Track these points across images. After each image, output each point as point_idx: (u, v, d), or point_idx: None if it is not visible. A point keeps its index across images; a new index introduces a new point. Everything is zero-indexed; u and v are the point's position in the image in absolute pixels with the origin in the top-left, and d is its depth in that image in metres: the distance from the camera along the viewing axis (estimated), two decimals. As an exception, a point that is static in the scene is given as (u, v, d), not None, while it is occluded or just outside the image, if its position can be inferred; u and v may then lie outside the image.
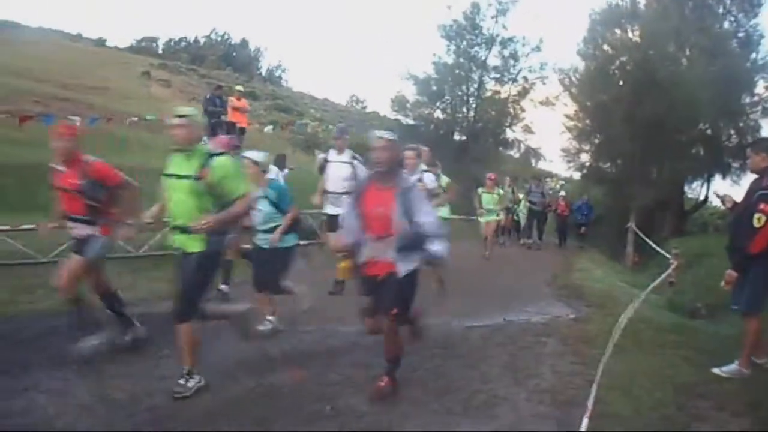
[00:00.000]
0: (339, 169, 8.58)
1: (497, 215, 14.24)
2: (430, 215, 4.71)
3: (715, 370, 5.66)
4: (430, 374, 5.30)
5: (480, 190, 14.19)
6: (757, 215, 5.40)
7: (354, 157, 8.52)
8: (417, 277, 4.78)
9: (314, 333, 6.57)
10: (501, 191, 14.23)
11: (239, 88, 17.84)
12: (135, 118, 17.52)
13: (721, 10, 22.85)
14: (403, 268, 4.63)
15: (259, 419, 4.25)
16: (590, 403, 3.94)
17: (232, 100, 15.92)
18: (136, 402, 4.49)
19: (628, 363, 5.66)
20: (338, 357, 5.72)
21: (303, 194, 14.14)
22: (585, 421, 3.69)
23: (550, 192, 23.23)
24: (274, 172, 11.82)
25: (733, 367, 5.65)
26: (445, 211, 9.40)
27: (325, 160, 8.88)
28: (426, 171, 8.23)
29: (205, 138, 11.12)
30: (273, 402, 4.58)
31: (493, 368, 5.52)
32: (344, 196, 7.93)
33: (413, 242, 4.60)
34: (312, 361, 5.58)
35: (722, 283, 5.86)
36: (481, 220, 13.92)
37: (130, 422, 4.17)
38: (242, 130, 16.79)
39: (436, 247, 4.58)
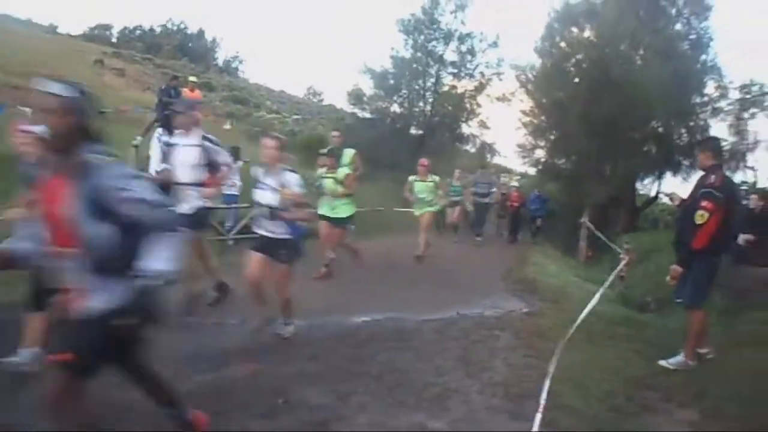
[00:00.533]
0: (185, 154, 6.98)
1: (433, 206, 12.37)
2: (146, 208, 2.99)
3: (662, 362, 5.83)
4: (384, 367, 5.28)
5: (411, 178, 12.30)
6: (699, 212, 5.58)
7: (206, 138, 7.06)
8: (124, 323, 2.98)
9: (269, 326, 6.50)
10: (437, 178, 12.44)
11: (192, 78, 17.58)
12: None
13: (673, 12, 23.20)
14: (98, 303, 2.95)
15: (213, 414, 4.19)
16: (543, 398, 3.97)
17: (185, 92, 15.69)
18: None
19: (579, 356, 5.75)
20: (293, 350, 5.68)
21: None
22: (538, 417, 3.71)
23: (503, 185, 23.27)
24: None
25: (679, 358, 5.83)
26: (348, 208, 9.42)
27: (167, 144, 7.43)
28: (290, 171, 6.23)
29: (159, 129, 11.03)
30: (228, 396, 4.52)
31: (447, 361, 5.54)
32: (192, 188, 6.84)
33: (114, 260, 2.96)
34: (267, 355, 5.53)
35: (668, 278, 6.03)
36: (416, 212, 12.36)
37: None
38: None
39: (156, 263, 2.95)
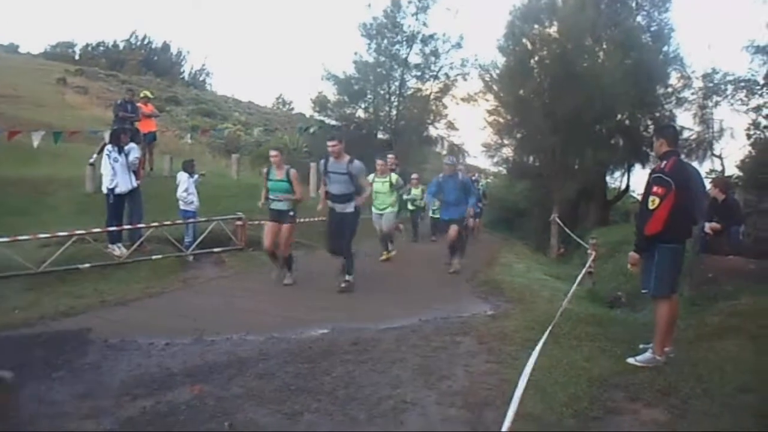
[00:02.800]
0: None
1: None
2: None
3: (630, 360, 5.69)
4: (338, 381, 5.04)
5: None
6: (651, 197, 5.55)
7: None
8: None
9: (221, 343, 6.25)
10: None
11: (146, 93, 17.20)
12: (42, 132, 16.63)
13: (633, 5, 23.33)
14: None
15: (150, 441, 3.97)
16: (512, 408, 3.75)
17: (140, 106, 15.37)
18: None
19: (543, 358, 5.54)
20: (244, 368, 5.42)
21: (215, 199, 13.93)
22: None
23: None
24: (184, 177, 11.51)
25: (647, 355, 5.70)
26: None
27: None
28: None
29: (108, 146, 10.77)
30: (169, 421, 4.26)
31: (405, 371, 5.31)
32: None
33: None
34: (216, 374, 5.28)
35: (628, 266, 6.02)
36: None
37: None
38: (152, 136, 16.27)
39: None
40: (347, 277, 9.05)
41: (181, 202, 11.62)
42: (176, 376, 5.25)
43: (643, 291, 6.04)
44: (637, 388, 4.95)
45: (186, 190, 11.55)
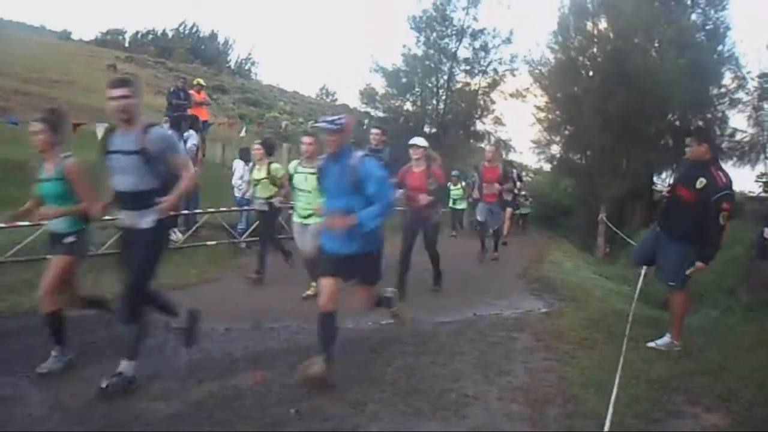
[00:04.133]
0: None
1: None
2: None
3: (650, 344, 6.01)
4: (400, 373, 5.12)
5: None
6: (723, 214, 5.64)
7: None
8: None
9: (279, 331, 6.39)
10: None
11: (199, 81, 17.40)
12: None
13: (689, 2, 22.91)
14: None
15: (220, 423, 4.07)
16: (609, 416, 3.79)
17: (192, 94, 15.57)
18: (91, 409, 4.25)
19: (601, 358, 5.57)
20: (305, 356, 5.49)
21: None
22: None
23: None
24: (240, 165, 11.66)
25: (666, 339, 6.03)
26: None
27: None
28: None
29: (169, 131, 10.93)
30: (235, 405, 4.39)
31: (464, 365, 5.36)
32: None
33: None
34: (278, 361, 5.39)
35: (688, 272, 5.92)
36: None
37: (86, 430, 3.95)
38: (205, 124, 16.46)
39: None
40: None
41: (235, 189, 11.79)
42: (239, 361, 5.38)
43: (671, 284, 6.10)
44: (697, 392, 4.93)
45: (241, 178, 11.70)
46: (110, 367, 4.90)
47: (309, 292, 7.91)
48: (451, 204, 17.28)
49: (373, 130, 9.43)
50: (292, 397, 4.53)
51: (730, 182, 5.74)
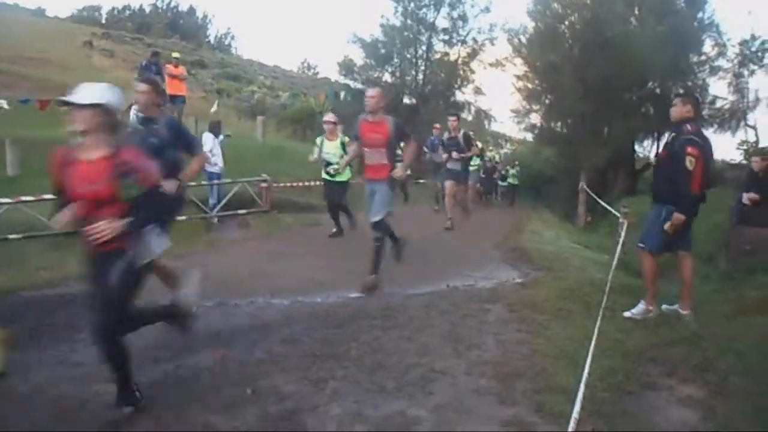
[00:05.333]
0: None
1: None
2: None
3: (626, 313, 5.95)
4: (365, 348, 4.91)
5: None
6: (688, 158, 5.63)
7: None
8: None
9: (245, 307, 6.18)
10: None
11: (175, 54, 17.04)
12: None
13: (669, -31, 22.72)
14: None
15: (174, 405, 3.87)
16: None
17: (169, 68, 15.24)
18: (38, 393, 4.06)
19: (575, 329, 5.41)
20: (268, 333, 5.32)
21: (240, 160, 13.81)
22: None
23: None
24: (209, 139, 11.39)
25: (640, 306, 5.99)
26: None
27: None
28: None
29: (135, 106, 10.66)
30: (192, 385, 4.19)
31: (433, 339, 5.16)
32: None
33: None
34: (239, 338, 5.20)
35: (666, 226, 5.86)
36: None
37: (29, 418, 3.74)
38: (182, 99, 16.12)
39: None
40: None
41: (205, 164, 11.50)
42: (199, 339, 5.15)
43: (639, 245, 6.15)
44: (673, 363, 4.77)
45: (210, 151, 11.42)
46: (65, 351, 4.73)
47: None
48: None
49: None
50: (251, 376, 4.33)
51: (701, 136, 5.82)
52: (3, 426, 3.57)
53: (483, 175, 20.23)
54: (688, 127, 5.81)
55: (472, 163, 13.92)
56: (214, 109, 19.66)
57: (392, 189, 7.10)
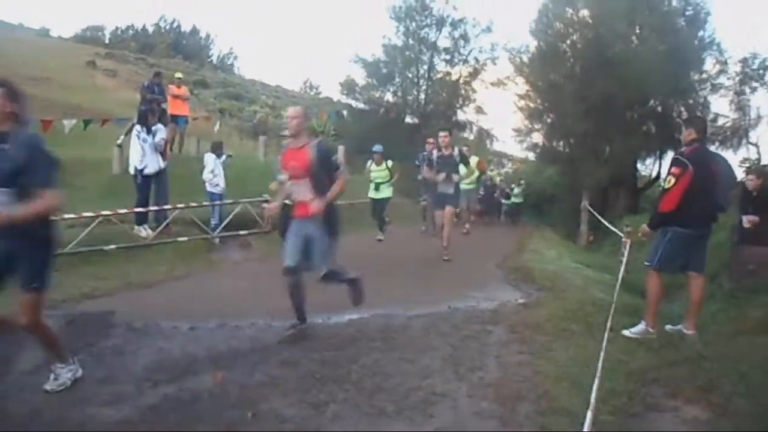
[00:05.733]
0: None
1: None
2: None
3: (625, 332, 5.96)
4: (366, 370, 4.88)
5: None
6: (668, 177, 5.90)
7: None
8: None
9: (245, 329, 6.15)
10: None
11: (178, 75, 17.14)
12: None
13: (669, -12, 22.80)
14: None
15: (175, 428, 3.83)
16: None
17: (172, 88, 15.31)
18: (36, 416, 4.02)
19: (577, 350, 5.37)
20: (268, 355, 5.29)
21: (242, 181, 13.81)
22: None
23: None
24: (211, 159, 11.41)
25: (640, 327, 6.02)
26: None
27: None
28: None
29: (137, 126, 10.71)
30: (191, 409, 4.16)
31: (434, 361, 5.12)
32: None
33: None
34: (240, 361, 5.16)
35: (639, 233, 6.44)
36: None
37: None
38: (185, 119, 16.18)
39: None
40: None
41: (207, 184, 11.52)
42: (200, 362, 5.15)
43: (646, 263, 6.19)
44: (677, 384, 4.73)
45: (212, 172, 11.44)
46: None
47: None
48: None
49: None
50: (251, 399, 4.30)
51: (693, 154, 5.87)
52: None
53: (482, 194, 20.43)
54: (685, 149, 5.99)
55: (466, 181, 13.75)
56: (216, 128, 19.71)
57: (331, 229, 5.86)
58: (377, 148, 13.17)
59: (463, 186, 12.28)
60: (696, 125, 6.22)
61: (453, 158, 10.48)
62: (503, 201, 25.01)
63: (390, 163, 13.10)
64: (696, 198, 5.71)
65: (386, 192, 13.12)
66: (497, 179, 26.66)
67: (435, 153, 10.68)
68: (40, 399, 4.26)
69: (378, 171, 13.05)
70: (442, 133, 10.87)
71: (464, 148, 12.02)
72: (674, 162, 5.86)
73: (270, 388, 4.52)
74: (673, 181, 5.75)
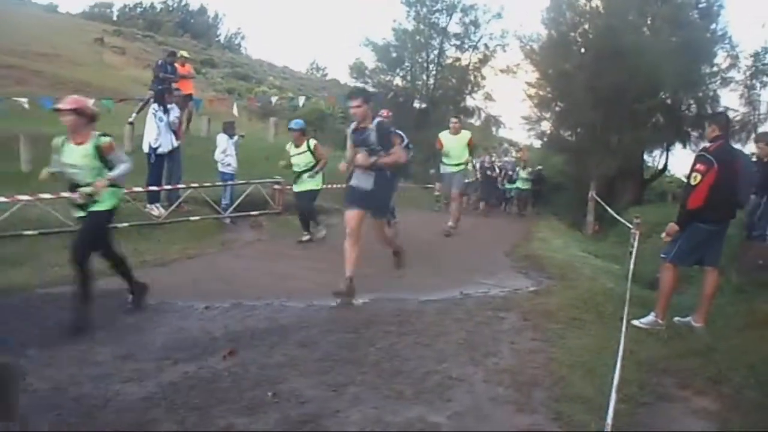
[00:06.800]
0: None
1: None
2: None
3: (635, 323, 6.00)
4: (383, 354, 4.95)
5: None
6: (693, 174, 5.92)
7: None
8: None
9: (261, 309, 6.23)
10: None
11: (183, 53, 17.12)
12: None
13: (683, -20, 22.65)
14: None
15: (195, 407, 3.90)
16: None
17: (176, 66, 15.31)
18: (60, 392, 4.09)
19: (589, 339, 5.45)
20: (286, 336, 5.37)
21: (252, 161, 13.87)
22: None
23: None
24: (223, 139, 11.46)
25: (650, 317, 6.14)
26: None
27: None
28: None
29: (154, 105, 10.77)
30: (212, 387, 4.23)
31: (449, 346, 5.20)
32: None
33: None
34: (257, 340, 5.24)
35: (663, 234, 6.34)
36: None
37: (53, 415, 3.77)
38: (189, 97, 16.18)
39: None
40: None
41: (219, 164, 11.57)
42: (218, 340, 5.24)
43: (662, 256, 6.33)
44: (687, 375, 4.83)
45: (224, 152, 11.49)
46: (84, 350, 4.79)
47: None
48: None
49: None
50: (271, 379, 4.38)
51: (717, 151, 5.93)
52: (24, 425, 3.60)
53: (477, 178, 19.89)
54: (709, 145, 6.04)
55: (449, 162, 12.16)
56: (235, 112, 19.66)
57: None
58: (295, 123, 10.61)
59: (449, 169, 12.22)
60: (719, 121, 6.28)
61: (367, 133, 6.93)
62: (507, 186, 22.91)
63: (313, 143, 10.37)
64: (719, 194, 5.80)
65: (310, 183, 10.37)
66: (496, 162, 25.36)
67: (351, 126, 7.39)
68: (64, 375, 4.35)
69: (298, 154, 10.35)
70: (351, 103, 7.03)
71: (383, 116, 8.51)
72: (699, 159, 5.93)
73: (289, 369, 4.58)
74: (699, 177, 5.81)
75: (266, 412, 3.87)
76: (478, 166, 19.02)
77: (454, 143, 12.09)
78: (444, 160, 12.24)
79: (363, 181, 6.90)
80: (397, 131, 8.54)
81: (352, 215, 6.86)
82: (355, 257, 6.71)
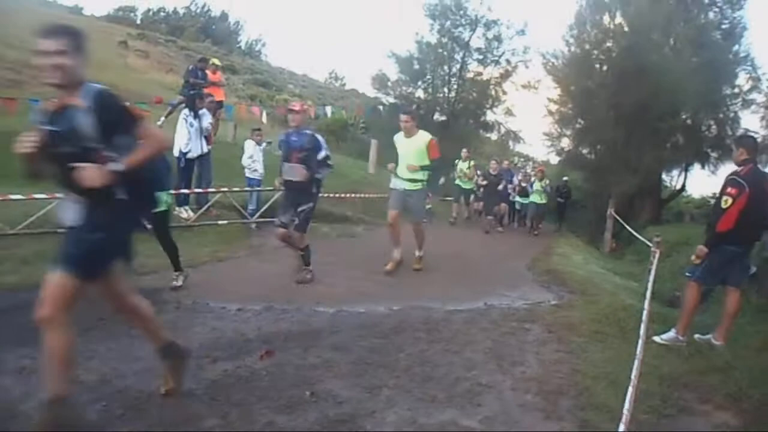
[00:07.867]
0: None
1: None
2: None
3: (656, 338, 6.14)
4: (413, 359, 5.13)
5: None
6: (724, 197, 5.98)
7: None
8: None
9: (292, 313, 6.39)
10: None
11: (215, 61, 17.41)
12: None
13: (706, 1, 22.73)
14: None
15: (236, 403, 4.08)
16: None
17: (208, 74, 15.56)
18: (105, 384, 4.26)
19: (612, 352, 5.60)
20: (318, 339, 5.54)
21: (278, 168, 14.01)
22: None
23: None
24: (251, 145, 11.68)
25: (671, 334, 6.20)
26: None
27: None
28: None
29: (185, 110, 10.99)
30: (251, 386, 4.40)
31: (477, 354, 5.38)
32: None
33: None
34: (291, 343, 5.40)
35: (693, 257, 6.36)
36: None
37: (100, 406, 3.93)
38: (219, 104, 16.43)
39: None
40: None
41: (246, 170, 11.79)
42: (252, 342, 5.38)
43: (687, 275, 6.49)
44: (708, 390, 4.95)
45: (251, 158, 11.71)
46: (125, 345, 4.95)
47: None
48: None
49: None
50: (307, 379, 4.54)
51: (748, 175, 5.98)
52: (74, 410, 3.74)
53: (479, 188, 18.11)
54: (740, 169, 6.08)
55: (400, 175, 8.86)
56: (264, 119, 19.86)
57: None
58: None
59: (400, 184, 8.91)
60: (746, 145, 6.32)
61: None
62: (517, 200, 20.05)
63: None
64: (749, 217, 5.89)
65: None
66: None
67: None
68: (108, 368, 4.51)
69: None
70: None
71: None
72: (730, 182, 5.99)
73: (324, 370, 4.75)
74: (730, 201, 5.88)
75: (305, 410, 4.04)
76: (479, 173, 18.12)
77: (405, 148, 8.78)
78: (395, 171, 8.97)
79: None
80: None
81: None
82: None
